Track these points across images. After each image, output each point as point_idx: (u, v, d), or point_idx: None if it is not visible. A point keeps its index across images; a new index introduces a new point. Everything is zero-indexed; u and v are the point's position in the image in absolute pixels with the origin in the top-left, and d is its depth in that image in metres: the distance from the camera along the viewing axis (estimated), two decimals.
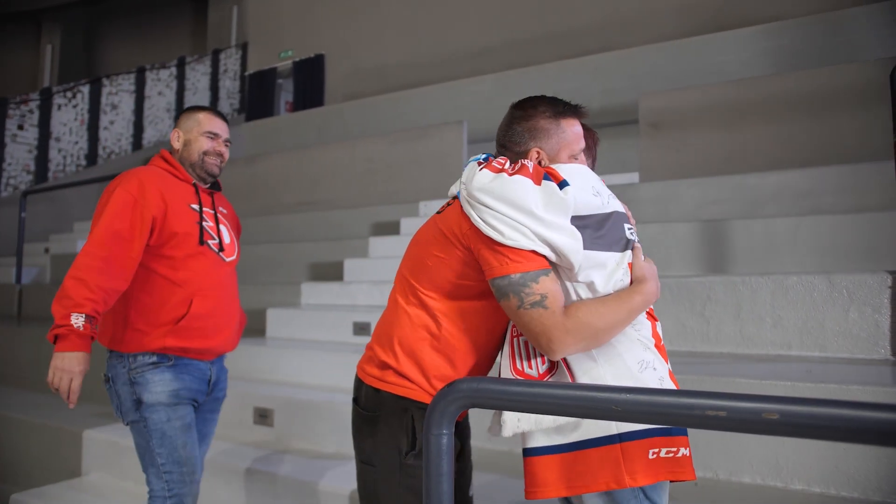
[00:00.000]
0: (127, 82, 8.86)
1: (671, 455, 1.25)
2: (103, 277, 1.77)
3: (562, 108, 1.40)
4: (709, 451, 2.18)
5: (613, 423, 1.22)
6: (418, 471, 1.38)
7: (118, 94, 8.74)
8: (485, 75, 7.07)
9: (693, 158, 4.44)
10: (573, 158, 1.38)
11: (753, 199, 3.84)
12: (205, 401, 2.05)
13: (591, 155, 1.55)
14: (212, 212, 2.05)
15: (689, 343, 2.80)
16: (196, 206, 2.00)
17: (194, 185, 2.04)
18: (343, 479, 2.41)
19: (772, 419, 0.77)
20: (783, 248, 3.25)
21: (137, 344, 1.88)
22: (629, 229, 1.33)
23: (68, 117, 8.22)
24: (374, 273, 4.27)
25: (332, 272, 4.72)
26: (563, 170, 1.28)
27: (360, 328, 3.52)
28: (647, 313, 1.35)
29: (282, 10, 9.60)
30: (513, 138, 1.40)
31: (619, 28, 6.68)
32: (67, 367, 1.73)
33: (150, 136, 9.07)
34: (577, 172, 1.29)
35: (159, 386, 1.89)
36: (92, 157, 8.46)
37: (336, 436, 2.75)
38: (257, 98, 9.66)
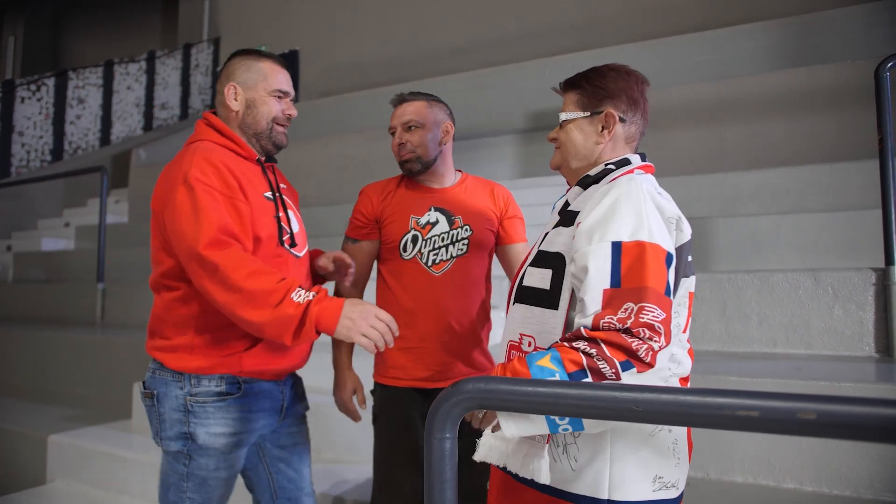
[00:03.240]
0: (94, 76, 8.60)
1: None
2: (259, 262, 1.36)
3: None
4: (699, 450, 2.15)
5: (606, 485, 1.08)
6: (377, 438, 1.79)
7: (85, 88, 8.48)
8: (463, 73, 7.00)
9: (673, 157, 4.44)
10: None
11: (734, 197, 3.85)
12: (279, 424, 1.64)
13: (643, 113, 1.26)
14: (279, 196, 1.58)
15: None
16: (270, 195, 1.54)
17: (258, 161, 1.56)
18: (327, 482, 2.33)
19: (808, 419, 0.72)
20: (765, 246, 3.26)
21: (206, 367, 1.47)
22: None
23: (32, 111, 7.94)
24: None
25: None
26: None
27: None
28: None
29: (255, 4, 9.42)
30: None
31: (598, 27, 6.67)
32: (357, 321, 1.29)
33: (118, 131, 8.82)
34: None
35: (221, 426, 1.48)
36: (57, 152, 8.19)
37: (317, 438, 2.65)
38: None
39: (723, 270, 2.91)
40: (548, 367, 0.99)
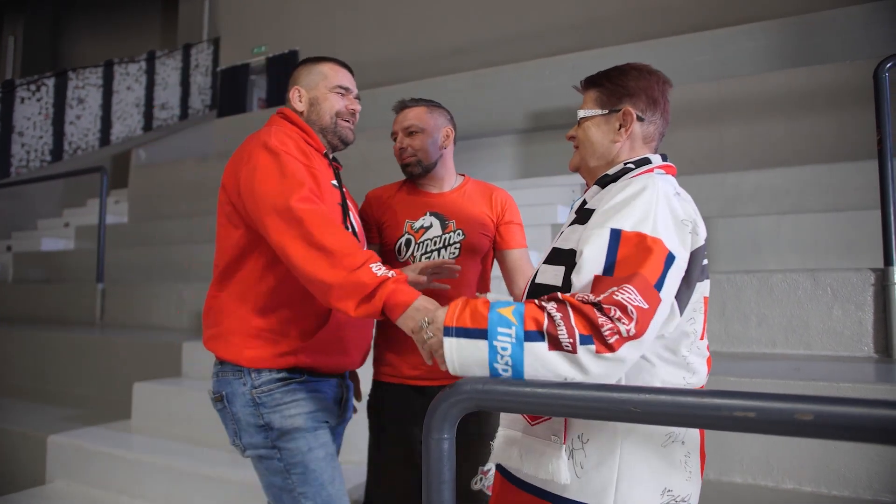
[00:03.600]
0: (94, 76, 8.60)
1: None
2: (342, 226, 1.36)
3: None
4: None
5: (612, 495, 1.04)
6: (371, 433, 1.82)
7: (85, 88, 8.48)
8: (463, 73, 7.00)
9: (672, 157, 4.42)
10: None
11: (733, 197, 3.85)
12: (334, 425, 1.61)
13: (662, 113, 1.24)
14: (344, 189, 1.63)
15: None
16: (336, 183, 1.59)
17: (326, 155, 1.61)
18: None
19: (805, 420, 0.72)
20: (765, 246, 3.26)
21: (261, 357, 1.45)
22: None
23: (32, 111, 7.94)
24: None
25: None
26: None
27: None
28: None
29: (254, 4, 9.42)
30: None
31: (597, 27, 6.67)
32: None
33: (118, 131, 8.83)
34: None
35: (293, 407, 1.46)
36: (57, 152, 8.19)
37: None
38: (229, 94, 9.46)
39: (722, 271, 2.91)
40: (507, 317, 0.95)
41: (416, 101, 1.85)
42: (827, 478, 1.98)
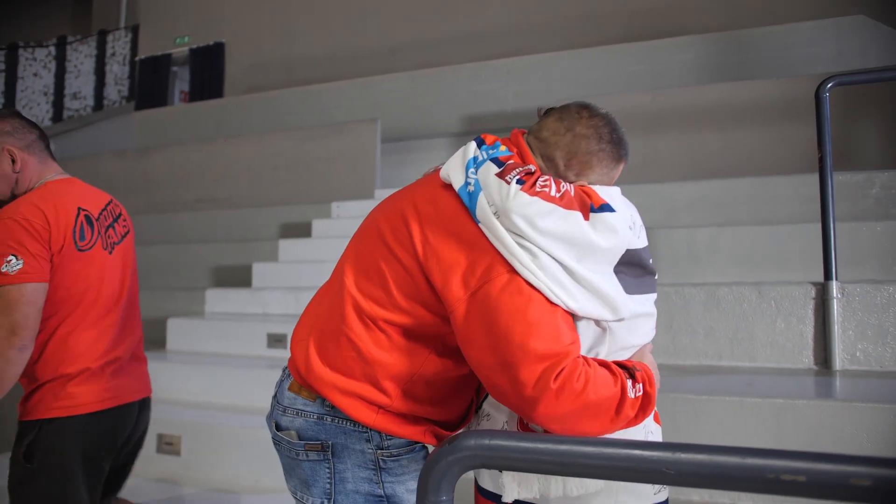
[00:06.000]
0: None
1: None
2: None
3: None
4: None
5: None
6: None
7: None
8: (398, 73, 6.88)
9: None
10: None
11: (670, 208, 3.90)
12: None
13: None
14: None
15: None
16: None
17: None
18: None
19: (863, 486, 0.65)
20: (704, 258, 3.30)
21: (390, 428, 1.13)
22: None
23: None
24: (286, 279, 3.97)
25: (239, 277, 4.37)
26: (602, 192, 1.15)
27: (276, 340, 3.23)
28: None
29: None
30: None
31: (533, 34, 6.70)
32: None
33: None
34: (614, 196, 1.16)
35: (413, 479, 1.17)
36: None
37: (253, 465, 2.47)
38: (149, 86, 8.93)
39: (670, 283, 2.92)
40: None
41: None
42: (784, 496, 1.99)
